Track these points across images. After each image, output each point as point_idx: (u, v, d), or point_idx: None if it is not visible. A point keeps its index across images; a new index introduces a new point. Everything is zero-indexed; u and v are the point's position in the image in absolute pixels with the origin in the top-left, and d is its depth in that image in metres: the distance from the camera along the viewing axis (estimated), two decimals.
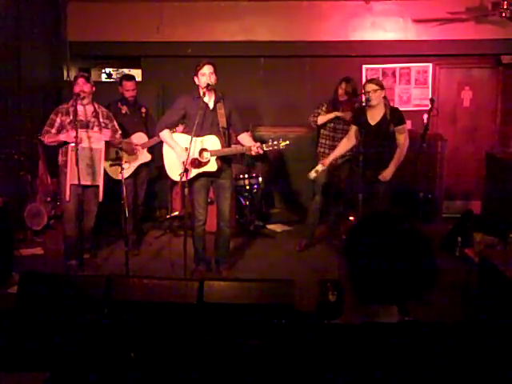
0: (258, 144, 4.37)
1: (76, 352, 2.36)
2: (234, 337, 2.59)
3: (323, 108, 5.35)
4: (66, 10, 6.88)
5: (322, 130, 5.43)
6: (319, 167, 5.01)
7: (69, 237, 4.76)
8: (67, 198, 4.54)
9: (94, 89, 4.76)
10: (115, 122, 4.91)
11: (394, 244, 1.28)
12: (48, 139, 4.71)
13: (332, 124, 5.34)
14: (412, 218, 1.36)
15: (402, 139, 4.73)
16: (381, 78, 6.41)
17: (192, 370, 2.33)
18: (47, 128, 4.71)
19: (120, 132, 4.93)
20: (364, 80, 6.91)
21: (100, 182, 4.73)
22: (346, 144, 5.03)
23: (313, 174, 5.03)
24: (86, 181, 4.62)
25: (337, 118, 5.30)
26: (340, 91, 5.29)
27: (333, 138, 5.33)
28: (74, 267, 4.62)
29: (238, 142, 4.76)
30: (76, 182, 4.42)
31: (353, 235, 1.35)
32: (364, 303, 1.31)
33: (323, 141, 5.41)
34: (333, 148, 5.27)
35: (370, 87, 4.71)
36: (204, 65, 4.32)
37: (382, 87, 4.74)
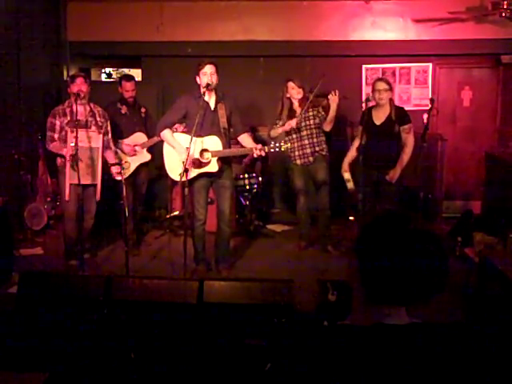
0: (260, 146, 4.37)
1: (76, 352, 2.36)
2: (234, 337, 2.59)
3: (280, 123, 5.13)
4: (65, 10, 6.88)
5: (287, 136, 5.19)
6: (347, 176, 4.96)
7: (69, 237, 4.76)
8: (67, 197, 4.53)
9: (90, 88, 4.76)
10: (109, 123, 4.89)
11: (406, 245, 1.28)
12: (54, 148, 4.67)
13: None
14: (419, 220, 1.36)
15: (408, 139, 4.72)
16: None
17: (192, 370, 2.32)
18: (50, 133, 4.67)
19: (110, 136, 4.90)
20: (364, 80, 6.93)
21: (98, 181, 4.73)
22: (356, 145, 5.02)
23: (350, 185, 4.99)
24: (86, 180, 4.62)
25: (301, 115, 5.09)
26: (292, 91, 5.05)
27: (300, 138, 5.17)
28: (74, 267, 4.62)
29: (237, 143, 4.76)
30: (76, 182, 4.40)
31: (364, 235, 1.34)
32: (374, 304, 1.31)
33: (290, 145, 5.02)
34: (302, 147, 5.18)
35: (382, 86, 4.70)
36: (206, 64, 4.31)
37: (391, 88, 4.75)
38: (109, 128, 4.88)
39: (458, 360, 1.25)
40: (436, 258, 1.29)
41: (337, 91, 4.93)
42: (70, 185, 4.54)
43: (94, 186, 4.74)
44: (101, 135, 4.72)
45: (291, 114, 5.14)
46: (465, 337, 1.30)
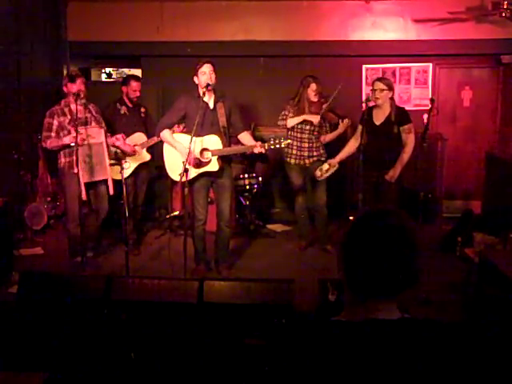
0: (260, 143, 4.40)
1: (76, 352, 2.36)
2: (234, 337, 2.59)
3: (291, 110, 5.24)
4: (66, 10, 6.88)
5: (289, 131, 5.33)
6: (325, 166, 4.99)
7: (74, 236, 4.76)
8: (84, 196, 4.49)
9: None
10: (100, 115, 4.92)
11: (379, 240, 1.31)
12: (51, 144, 4.67)
13: (299, 125, 5.24)
14: (400, 214, 1.37)
15: (408, 139, 4.73)
16: None
17: (192, 370, 2.33)
18: (47, 133, 4.67)
19: (105, 128, 4.92)
20: (364, 80, 6.93)
21: (108, 176, 4.74)
22: (353, 144, 5.03)
23: (318, 173, 5.02)
24: (85, 178, 4.63)
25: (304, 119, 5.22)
26: (312, 93, 5.15)
27: (300, 138, 5.24)
28: (78, 264, 4.62)
29: (238, 141, 4.77)
30: (86, 180, 4.50)
31: (347, 233, 1.37)
32: (360, 299, 1.33)
33: (290, 141, 5.16)
34: (300, 148, 5.25)
35: (378, 86, 4.71)
36: (204, 64, 4.32)
37: (390, 88, 4.75)
38: (102, 121, 4.91)
39: (449, 357, 1.26)
40: (407, 253, 1.30)
41: (349, 120, 5.23)
42: (75, 184, 4.54)
43: (104, 181, 4.75)
44: (102, 130, 4.74)
45: (300, 112, 5.20)
46: (456, 335, 1.31)
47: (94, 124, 4.73)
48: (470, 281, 3.98)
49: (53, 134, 4.66)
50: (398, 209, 1.41)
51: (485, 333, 1.36)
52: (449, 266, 4.75)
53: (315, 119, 5.13)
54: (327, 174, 5.02)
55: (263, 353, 2.26)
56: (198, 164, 4.41)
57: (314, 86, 5.13)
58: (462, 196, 7.00)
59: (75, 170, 4.47)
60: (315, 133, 5.27)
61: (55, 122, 4.66)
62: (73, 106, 4.62)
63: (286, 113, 5.25)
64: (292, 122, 5.23)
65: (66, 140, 4.54)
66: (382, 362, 1.22)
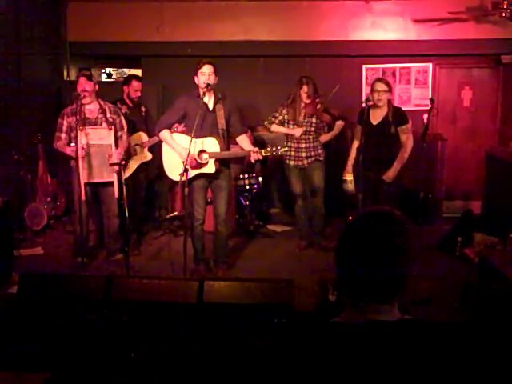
0: (257, 149, 4.33)
1: (76, 352, 2.36)
2: (234, 337, 2.59)
3: (283, 111, 5.23)
4: (66, 10, 6.88)
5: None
6: (348, 177, 4.98)
7: (78, 235, 4.76)
8: (83, 196, 4.52)
9: (97, 86, 4.76)
10: (122, 117, 4.91)
11: (364, 244, 1.31)
12: (59, 148, 4.73)
13: (296, 125, 5.21)
14: (392, 216, 1.36)
15: (406, 139, 4.72)
16: None
17: (192, 370, 2.33)
18: (58, 134, 4.71)
19: (126, 129, 4.92)
20: (364, 80, 6.93)
21: (114, 178, 4.73)
22: (355, 145, 5.03)
23: (350, 187, 4.99)
24: (99, 178, 4.65)
25: (304, 119, 5.20)
26: (304, 95, 5.13)
27: (297, 139, 5.22)
28: (79, 264, 4.62)
29: (236, 143, 4.76)
30: (89, 180, 4.55)
31: (340, 236, 1.40)
32: (352, 302, 1.33)
33: (289, 144, 5.25)
34: (297, 150, 5.25)
35: (381, 87, 4.70)
36: (204, 64, 4.31)
37: (390, 89, 4.75)
38: (123, 123, 4.89)
39: (449, 358, 1.26)
40: (392, 258, 1.29)
41: (343, 122, 5.29)
42: (85, 184, 4.56)
43: (107, 185, 4.75)
44: (112, 131, 4.73)
45: (296, 113, 5.19)
46: (457, 335, 1.31)
47: (104, 125, 4.73)
48: (470, 281, 3.98)
49: (63, 135, 4.68)
50: (393, 210, 1.40)
51: (485, 333, 1.36)
52: (449, 266, 4.75)
53: (298, 132, 5.14)
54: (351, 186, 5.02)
55: (263, 353, 2.26)
56: (196, 165, 4.41)
57: (305, 88, 5.12)
58: (461, 196, 7.00)
59: (79, 170, 4.49)
60: (312, 133, 5.26)
61: (65, 123, 4.68)
62: (84, 106, 4.64)
63: (277, 115, 5.25)
64: (275, 129, 5.27)
65: (68, 151, 4.60)
66: (381, 363, 1.22)
